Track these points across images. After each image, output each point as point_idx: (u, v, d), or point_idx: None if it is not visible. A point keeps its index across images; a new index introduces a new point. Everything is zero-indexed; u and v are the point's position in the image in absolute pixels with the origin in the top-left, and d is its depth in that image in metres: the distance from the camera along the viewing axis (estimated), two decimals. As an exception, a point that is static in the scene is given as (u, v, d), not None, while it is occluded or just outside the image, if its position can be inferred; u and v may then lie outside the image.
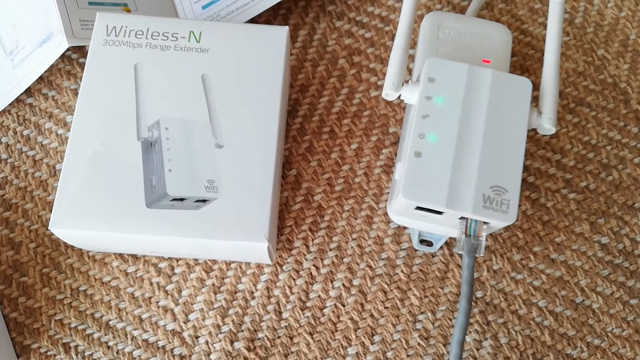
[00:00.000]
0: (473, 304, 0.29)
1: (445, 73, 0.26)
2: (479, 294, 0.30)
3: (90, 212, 0.24)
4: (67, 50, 0.33)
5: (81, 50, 0.33)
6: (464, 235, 0.25)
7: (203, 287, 0.29)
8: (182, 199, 0.24)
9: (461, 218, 0.25)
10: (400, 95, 0.27)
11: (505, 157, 0.25)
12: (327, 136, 0.32)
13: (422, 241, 0.30)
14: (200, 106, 0.25)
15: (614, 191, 0.32)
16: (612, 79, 0.34)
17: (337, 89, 0.33)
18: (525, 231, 0.31)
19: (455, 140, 0.25)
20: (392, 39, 0.34)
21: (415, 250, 0.30)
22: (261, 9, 0.32)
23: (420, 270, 0.30)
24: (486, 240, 0.30)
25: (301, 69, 0.34)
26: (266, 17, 0.35)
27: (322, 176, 0.31)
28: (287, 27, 0.27)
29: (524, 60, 0.34)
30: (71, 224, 0.24)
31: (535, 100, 0.33)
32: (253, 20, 0.34)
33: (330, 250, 0.30)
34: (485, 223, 0.25)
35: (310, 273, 0.30)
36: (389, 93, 0.27)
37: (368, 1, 0.35)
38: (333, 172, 0.31)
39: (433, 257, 0.30)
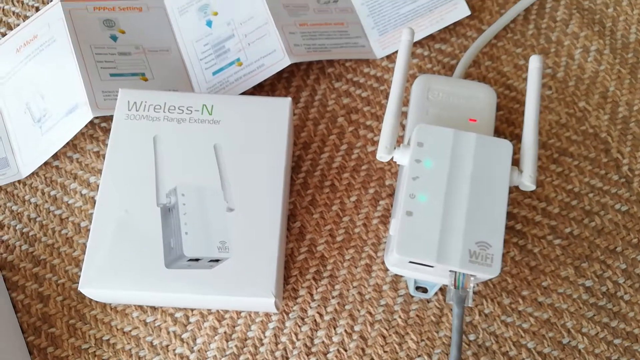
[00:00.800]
0: (466, 346, 0.32)
1: (433, 138, 0.29)
2: (471, 337, 0.32)
3: (115, 274, 0.26)
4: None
5: (103, 116, 0.37)
6: (453, 286, 0.27)
7: (216, 335, 0.32)
8: (197, 259, 0.27)
9: (450, 270, 0.28)
10: (393, 157, 0.30)
11: (489, 214, 0.28)
12: (328, 190, 0.35)
13: (417, 288, 0.32)
14: (213, 173, 0.28)
15: (597, 236, 0.34)
16: (593, 130, 0.37)
17: (336, 145, 0.36)
18: (514, 276, 0.33)
19: (443, 200, 0.28)
20: (387, 97, 0.37)
21: (412, 297, 0.33)
22: (266, 75, 0.35)
23: (417, 315, 0.32)
24: (475, 289, 0.32)
25: (303, 127, 0.37)
26: (271, 81, 0.38)
27: (325, 227, 0.34)
28: (289, 99, 0.30)
29: (510, 114, 0.37)
30: (99, 284, 0.26)
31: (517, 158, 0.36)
32: (259, 84, 0.37)
33: (333, 298, 0.33)
34: (472, 275, 0.27)
35: (315, 320, 0.32)
36: (382, 156, 0.30)
37: (364, 63, 0.38)
38: (334, 224, 0.34)
39: (428, 302, 0.33)
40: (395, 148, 0.30)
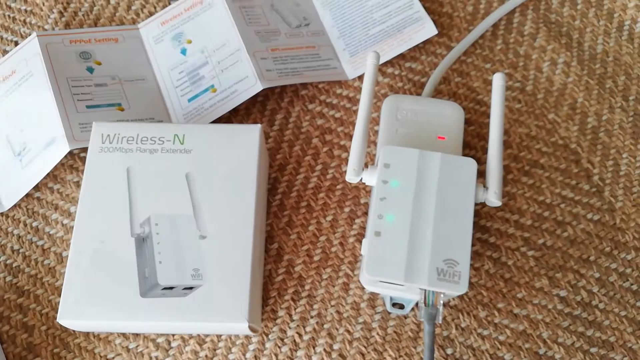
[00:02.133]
0: (444, 360, 0.32)
1: (399, 159, 0.30)
2: (449, 350, 0.32)
3: (92, 304, 0.27)
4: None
5: (83, 148, 0.37)
6: (423, 304, 0.28)
7: (197, 358, 0.32)
8: (171, 288, 0.27)
9: (420, 288, 0.28)
10: (362, 178, 0.31)
11: (455, 231, 0.28)
12: (304, 210, 0.36)
13: (394, 304, 0.33)
14: (185, 201, 0.29)
15: (570, 246, 0.35)
16: (563, 141, 0.38)
17: (311, 166, 0.37)
18: (489, 289, 0.34)
19: (410, 220, 0.29)
20: (360, 116, 0.38)
21: (389, 313, 0.33)
22: (239, 100, 0.36)
23: (395, 331, 0.33)
24: (451, 302, 0.33)
25: (279, 149, 0.37)
26: (246, 105, 0.39)
27: (302, 248, 0.35)
28: (259, 125, 0.31)
29: (480, 129, 0.38)
30: (76, 315, 0.27)
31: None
32: (235, 109, 0.38)
33: (312, 317, 0.33)
34: (441, 293, 0.28)
35: (294, 340, 0.33)
36: (351, 178, 0.31)
37: (336, 84, 0.39)
38: (311, 244, 0.35)
39: (405, 318, 0.33)
40: (363, 170, 0.31)
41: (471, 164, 0.30)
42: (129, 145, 0.30)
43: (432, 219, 0.28)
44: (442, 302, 0.28)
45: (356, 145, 0.31)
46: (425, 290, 0.28)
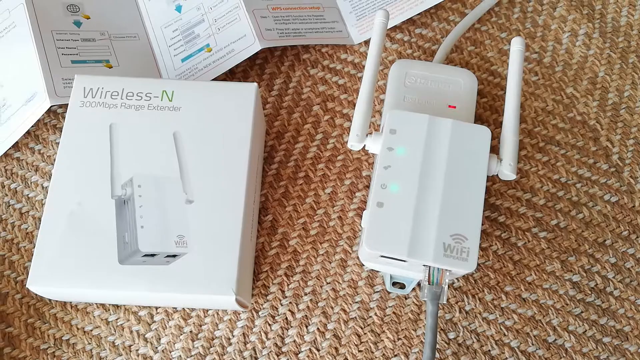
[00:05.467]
0: (446, 345, 0.30)
1: (406, 124, 0.27)
2: (451, 335, 0.30)
3: (65, 271, 0.25)
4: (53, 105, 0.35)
5: (67, 105, 0.35)
6: (427, 282, 0.26)
7: (181, 334, 0.30)
8: (153, 255, 0.25)
9: (424, 265, 0.26)
10: (365, 145, 0.28)
11: (465, 205, 0.26)
12: (302, 181, 0.33)
13: (394, 283, 0.31)
14: (172, 163, 0.27)
15: (585, 229, 0.33)
16: (581, 117, 0.35)
17: (311, 135, 0.34)
18: (496, 271, 0.32)
19: (416, 190, 0.26)
20: (365, 84, 0.36)
21: (389, 293, 0.31)
22: (236, 61, 0.34)
23: (394, 312, 0.31)
24: (456, 284, 0.31)
25: (277, 116, 0.35)
26: (243, 67, 0.36)
27: (298, 221, 0.32)
28: (255, 84, 0.29)
29: (494, 101, 0.35)
30: (48, 282, 0.25)
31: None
32: (231, 71, 0.36)
33: (306, 294, 0.31)
34: (447, 270, 0.26)
35: (286, 318, 0.30)
36: (353, 144, 0.28)
37: (341, 48, 0.37)
38: (308, 217, 0.32)
39: (406, 299, 0.31)
40: (367, 136, 0.28)
41: (485, 132, 0.27)
42: (113, 101, 0.28)
43: (441, 190, 0.26)
44: (447, 280, 0.26)
45: (360, 109, 0.28)
46: (429, 267, 0.26)
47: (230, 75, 0.36)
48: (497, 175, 0.28)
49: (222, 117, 0.28)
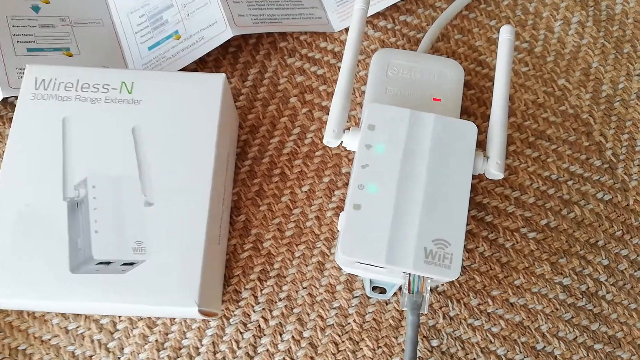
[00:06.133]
0: (429, 353, 0.28)
1: (386, 119, 0.25)
2: (434, 342, 0.28)
3: (11, 279, 0.23)
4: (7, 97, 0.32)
5: (24, 96, 0.32)
6: (406, 290, 0.24)
7: (146, 344, 0.28)
8: (108, 263, 0.23)
9: (404, 272, 0.24)
10: (342, 142, 0.26)
11: (448, 207, 0.24)
12: (277, 178, 0.31)
13: (374, 288, 0.29)
14: (131, 161, 0.24)
15: (576, 229, 0.31)
16: (574, 110, 0.33)
17: (288, 129, 0.32)
18: (483, 274, 0.30)
19: (396, 191, 0.24)
20: (346, 74, 0.33)
21: (368, 298, 0.29)
22: (207, 49, 0.31)
23: (374, 319, 0.29)
24: (440, 288, 0.29)
25: (251, 109, 0.33)
26: (215, 56, 0.34)
27: (272, 221, 0.30)
28: (223, 75, 0.26)
29: (481, 93, 0.33)
30: (-8, 292, 0.23)
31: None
32: (202, 60, 0.33)
33: (280, 300, 0.29)
34: (428, 278, 0.24)
35: (259, 325, 0.28)
36: (330, 141, 0.26)
37: (320, 36, 0.34)
38: (283, 217, 0.30)
39: (387, 304, 0.29)
40: (345, 131, 0.26)
41: (470, 128, 0.25)
42: (67, 93, 0.25)
43: (422, 191, 0.24)
44: (429, 288, 0.24)
45: (337, 103, 0.26)
46: (409, 274, 0.24)
47: (201, 64, 0.33)
48: (483, 173, 0.26)
49: (186, 111, 0.25)
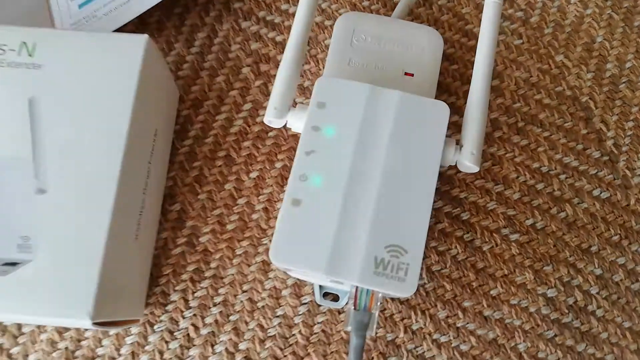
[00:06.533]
0: (386, 372, 0.24)
1: (340, 96, 0.21)
2: None
3: None
4: None
5: None
6: (352, 307, 0.20)
7: (54, 351, 0.24)
8: (-14, 262, 0.19)
9: (350, 283, 0.20)
10: (287, 122, 0.22)
11: (408, 206, 0.20)
12: (221, 162, 0.27)
13: (326, 294, 0.25)
14: (24, 139, 0.20)
15: (566, 231, 0.27)
16: (572, 92, 0.29)
17: (238, 104, 0.28)
18: (454, 281, 0.26)
19: (345, 185, 0.20)
20: (309, 42, 0.29)
21: (319, 306, 0.25)
22: (143, 8, 0.27)
23: (323, 330, 0.25)
24: (393, 299, 0.25)
25: (196, 79, 0.28)
26: (159, 16, 0.29)
27: (212, 212, 0.26)
28: (145, 36, 0.22)
29: (466, 69, 0.29)
30: None
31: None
32: (143, 22, 0.29)
33: (215, 305, 0.25)
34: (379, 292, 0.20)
35: (188, 334, 0.24)
36: (271, 120, 0.22)
37: (281, -3, 0.29)
38: (225, 207, 0.26)
39: (339, 313, 0.25)
40: (290, 109, 0.22)
41: (441, 110, 0.21)
42: (-48, 52, 0.21)
43: (378, 186, 0.20)
44: (379, 305, 0.20)
45: (282, 74, 0.22)
46: (356, 287, 0.20)
47: (142, 26, 0.29)
48: (455, 165, 0.22)
49: (96, 79, 0.21)
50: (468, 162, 0.21)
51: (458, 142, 0.21)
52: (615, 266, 0.26)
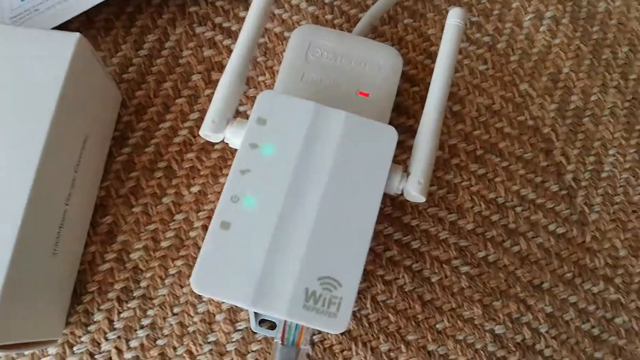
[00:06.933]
0: (321, 407, 0.23)
1: (282, 113, 0.19)
2: (329, 395, 0.23)
3: None
4: None
5: None
6: (280, 342, 0.18)
7: (-38, 370, 0.22)
8: None
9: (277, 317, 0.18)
10: (225, 137, 0.20)
11: (346, 236, 0.18)
12: (161, 174, 0.25)
13: (262, 321, 0.23)
14: None
15: (519, 266, 0.26)
16: (534, 122, 0.28)
17: (184, 112, 0.26)
18: (399, 312, 0.24)
19: (280, 209, 0.18)
20: (265, 53, 0.27)
21: (254, 333, 0.23)
22: (86, 5, 0.25)
23: (257, 359, 0.23)
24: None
25: (141, 84, 0.26)
26: (106, 16, 0.27)
27: (146, 227, 0.24)
28: (77, 35, 0.20)
29: (427, 91, 0.27)
30: None
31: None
32: (90, 20, 0.27)
33: (142, 328, 0.23)
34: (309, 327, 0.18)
35: (110, 358, 0.23)
36: (207, 134, 0.20)
37: (242, 4, 0.28)
38: (161, 223, 0.24)
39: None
40: (229, 123, 0.20)
41: (389, 135, 0.19)
42: None
43: (315, 212, 0.18)
44: (308, 340, 0.18)
45: (223, 85, 0.20)
46: (285, 321, 0.18)
47: (88, 24, 0.27)
48: (401, 194, 0.20)
49: (21, 78, 0.19)
50: (414, 191, 0.20)
51: (406, 170, 0.20)
52: (566, 304, 0.25)
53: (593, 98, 0.29)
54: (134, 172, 0.25)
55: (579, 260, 0.26)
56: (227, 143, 0.20)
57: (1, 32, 0.20)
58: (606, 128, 0.28)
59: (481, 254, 0.25)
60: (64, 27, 0.26)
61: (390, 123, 0.26)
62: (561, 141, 0.28)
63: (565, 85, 0.29)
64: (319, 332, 0.24)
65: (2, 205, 0.18)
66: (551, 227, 0.26)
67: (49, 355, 0.22)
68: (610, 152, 0.28)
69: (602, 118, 0.28)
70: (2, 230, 0.18)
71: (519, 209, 0.26)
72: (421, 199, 0.20)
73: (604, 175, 0.27)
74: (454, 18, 0.22)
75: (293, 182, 0.19)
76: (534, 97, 0.28)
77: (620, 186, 0.27)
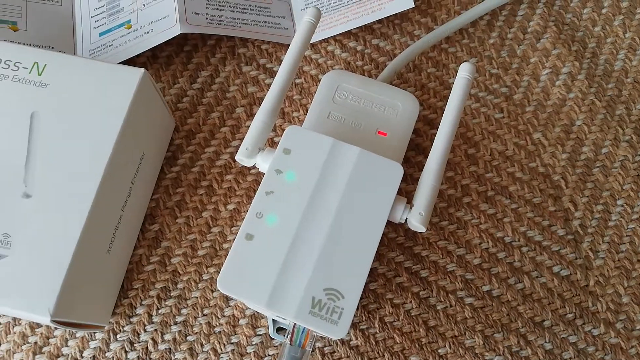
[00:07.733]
0: (324, 413, 0.25)
1: (305, 145, 0.23)
2: (333, 402, 0.25)
3: None
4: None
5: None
6: (288, 341, 0.21)
7: (24, 344, 0.26)
8: (-34, 253, 0.21)
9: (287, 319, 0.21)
10: (256, 163, 0.24)
11: (351, 254, 0.21)
12: (203, 191, 0.29)
13: (279, 329, 0.26)
14: (20, 148, 0.23)
15: (521, 302, 0.27)
16: (545, 169, 0.30)
17: (227, 140, 0.30)
18: (404, 335, 0.26)
19: (297, 227, 0.21)
20: (301, 92, 0.31)
21: (272, 339, 0.26)
22: (154, 42, 0.30)
23: (270, 363, 0.26)
24: (346, 341, 0.26)
25: (193, 112, 0.30)
26: (169, 52, 0.32)
27: (187, 236, 0.28)
28: (142, 70, 0.24)
29: (445, 135, 0.30)
30: None
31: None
32: (154, 55, 0.32)
33: (175, 324, 0.26)
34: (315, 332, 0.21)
35: (146, 347, 0.26)
36: (242, 159, 0.24)
37: (284, 49, 0.32)
38: (200, 234, 0.28)
39: (289, 349, 0.26)
40: (260, 151, 0.24)
41: (395, 170, 0.22)
42: (-24, 66, 0.24)
43: (326, 231, 0.21)
44: (313, 343, 0.21)
45: (258, 119, 0.24)
46: (294, 324, 0.21)
47: (153, 59, 0.32)
48: (405, 222, 0.23)
49: (93, 103, 0.23)
50: (415, 221, 0.22)
51: (409, 201, 0.23)
52: (566, 343, 0.27)
53: (604, 150, 0.30)
54: (181, 188, 0.29)
55: (581, 302, 0.28)
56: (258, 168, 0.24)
57: (82, 64, 0.24)
58: (616, 179, 0.30)
59: (486, 288, 0.27)
60: (133, 60, 0.31)
61: (408, 160, 0.29)
62: (570, 189, 0.30)
63: (578, 136, 0.31)
64: (330, 345, 0.26)
65: (71, 207, 0.22)
66: (555, 269, 0.28)
67: (96, 339, 0.26)
68: (619, 202, 0.29)
69: (612, 170, 0.30)
70: (69, 227, 0.21)
71: (524, 249, 0.28)
72: (422, 228, 0.22)
73: (611, 224, 0.29)
74: (464, 72, 0.25)
75: (309, 205, 0.22)
76: (546, 145, 0.30)
77: (627, 235, 0.29)
